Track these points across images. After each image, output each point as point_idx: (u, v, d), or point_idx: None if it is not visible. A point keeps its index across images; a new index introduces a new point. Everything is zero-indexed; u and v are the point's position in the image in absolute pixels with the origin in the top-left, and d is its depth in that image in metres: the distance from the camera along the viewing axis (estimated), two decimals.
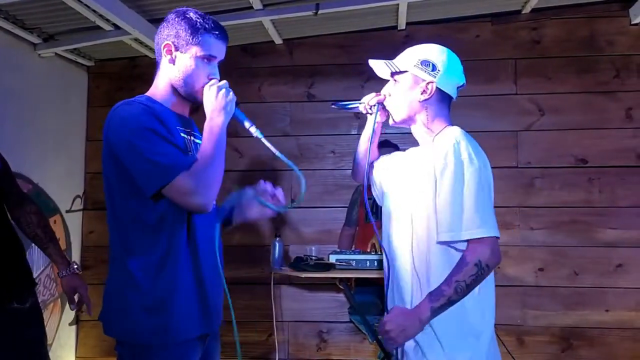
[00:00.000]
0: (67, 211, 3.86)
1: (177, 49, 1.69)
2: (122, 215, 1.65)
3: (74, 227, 3.93)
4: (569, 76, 3.79)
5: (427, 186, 1.75)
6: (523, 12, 3.82)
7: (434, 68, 1.82)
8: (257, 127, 1.71)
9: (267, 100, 4.02)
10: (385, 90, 1.93)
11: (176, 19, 1.70)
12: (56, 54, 3.67)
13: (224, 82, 1.70)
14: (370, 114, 1.96)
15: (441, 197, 1.69)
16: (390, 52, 4.25)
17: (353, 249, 3.55)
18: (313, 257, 3.26)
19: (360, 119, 3.98)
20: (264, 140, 1.70)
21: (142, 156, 1.51)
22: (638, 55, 3.74)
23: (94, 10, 3.11)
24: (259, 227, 3.93)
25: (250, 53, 4.06)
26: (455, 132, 1.78)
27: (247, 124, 1.72)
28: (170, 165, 1.50)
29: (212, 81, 1.69)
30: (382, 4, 3.42)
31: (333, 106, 2.08)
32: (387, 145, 3.56)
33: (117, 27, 3.37)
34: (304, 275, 3.16)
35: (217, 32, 1.71)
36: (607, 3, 3.79)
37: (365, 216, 3.58)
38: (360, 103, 1.99)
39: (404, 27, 3.91)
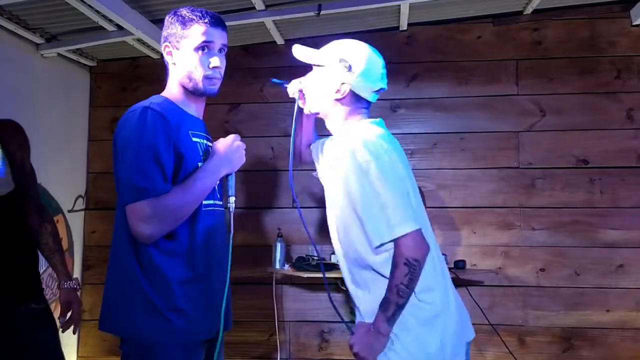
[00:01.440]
0: (70, 211, 3.87)
1: (175, 48, 1.70)
2: (122, 215, 1.64)
3: (76, 227, 3.94)
4: (570, 77, 3.80)
5: (342, 192, 1.75)
6: (524, 13, 3.82)
7: (349, 69, 1.76)
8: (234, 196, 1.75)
9: (268, 100, 4.02)
10: (306, 78, 1.90)
11: (169, 20, 1.72)
12: (59, 54, 3.68)
13: (243, 143, 1.75)
14: (293, 100, 1.95)
15: (358, 206, 1.67)
16: (392, 53, 4.27)
17: None
18: (315, 257, 3.27)
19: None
20: (232, 210, 1.73)
21: (127, 170, 1.55)
22: (639, 56, 3.75)
23: (97, 11, 3.12)
24: (261, 226, 3.94)
25: (252, 53, 4.07)
26: (357, 134, 1.72)
27: (230, 192, 1.75)
28: (141, 188, 1.52)
29: (209, 71, 1.70)
30: (384, 4, 3.43)
31: (272, 80, 2.09)
32: None
33: (119, 27, 3.38)
34: (305, 275, 3.17)
35: (206, 19, 1.69)
36: (608, 4, 3.79)
37: None
38: (288, 84, 1.99)
39: (405, 28, 3.91)
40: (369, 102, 1.82)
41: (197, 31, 1.67)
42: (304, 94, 1.90)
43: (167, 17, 1.74)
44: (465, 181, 3.78)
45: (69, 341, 3.87)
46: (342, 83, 1.75)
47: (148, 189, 1.52)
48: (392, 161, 1.67)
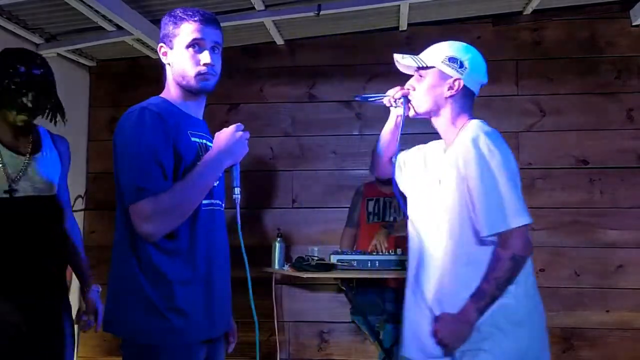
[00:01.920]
0: None
1: (169, 48, 1.72)
2: (122, 214, 1.65)
3: None
4: (570, 77, 3.79)
5: (456, 182, 1.77)
6: (524, 13, 3.82)
7: (461, 65, 1.85)
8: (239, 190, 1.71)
9: (268, 100, 4.02)
10: (409, 84, 1.96)
11: (163, 21, 1.74)
12: (58, 54, 3.68)
13: (246, 132, 1.70)
14: (395, 107, 2.00)
15: (475, 193, 1.71)
16: (391, 53, 4.25)
17: (355, 249, 3.56)
18: (314, 257, 3.26)
19: (361, 119, 3.99)
20: (237, 201, 1.70)
21: (127, 170, 1.57)
22: (639, 56, 3.75)
23: (97, 11, 3.11)
24: (260, 227, 3.94)
25: (251, 54, 4.06)
26: (476, 126, 1.82)
27: (234, 183, 1.71)
28: (142, 188, 1.52)
29: (200, 67, 1.68)
30: (383, 4, 3.43)
31: (357, 99, 2.14)
32: None
33: (119, 27, 3.38)
34: (305, 275, 3.16)
35: (196, 17, 1.69)
36: (608, 4, 3.79)
37: (367, 217, 3.59)
38: (384, 96, 2.01)
39: (405, 28, 3.91)
40: (473, 98, 1.92)
41: (188, 29, 1.68)
42: (408, 99, 1.95)
43: (162, 19, 1.76)
44: None
45: None
46: (456, 79, 1.84)
47: (149, 188, 1.52)
48: (510, 157, 1.77)
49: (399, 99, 1.96)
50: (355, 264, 3.08)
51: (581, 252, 3.69)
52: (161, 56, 1.75)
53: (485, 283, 1.67)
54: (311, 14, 3.43)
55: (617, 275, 3.65)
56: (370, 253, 3.14)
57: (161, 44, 1.74)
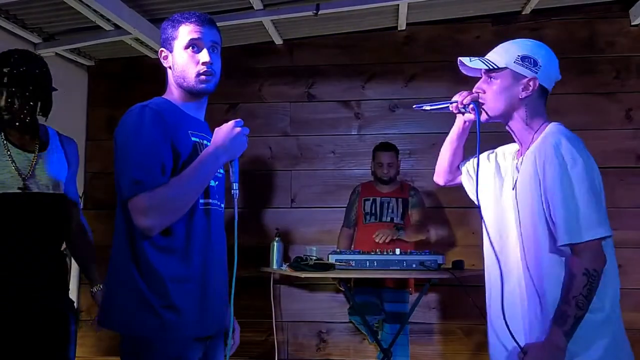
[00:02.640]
0: None
1: (169, 51, 1.76)
2: (121, 211, 1.67)
3: None
4: (569, 77, 3.78)
5: (532, 188, 1.71)
6: (523, 12, 3.82)
7: (535, 64, 1.79)
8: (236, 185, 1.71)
9: (267, 100, 4.02)
10: (478, 87, 1.89)
11: (163, 26, 1.78)
12: (56, 53, 3.67)
13: (246, 128, 1.69)
14: (463, 113, 1.94)
15: (554, 200, 1.65)
16: (390, 53, 4.27)
17: (352, 249, 3.55)
18: (313, 257, 3.26)
19: (360, 119, 3.98)
20: (235, 200, 1.71)
21: (125, 165, 1.58)
22: (638, 56, 3.75)
23: (95, 10, 3.11)
24: (259, 227, 3.94)
25: (250, 53, 4.06)
26: (556, 130, 1.75)
27: (232, 179, 1.71)
28: (140, 181, 1.54)
29: (200, 67, 1.71)
30: (382, 4, 3.42)
31: (416, 108, 2.05)
32: (386, 149, 3.55)
33: (117, 26, 3.37)
34: (303, 275, 3.16)
35: (192, 19, 1.74)
36: (607, 4, 3.79)
37: (364, 217, 3.59)
38: (451, 103, 1.94)
39: (404, 28, 3.91)
40: (546, 96, 1.86)
41: (185, 31, 1.73)
42: (478, 104, 1.87)
43: (162, 25, 1.80)
44: None
45: None
46: (531, 79, 1.78)
47: (146, 182, 1.54)
48: (593, 165, 1.69)
49: (469, 104, 1.88)
50: (353, 264, 3.07)
51: None
52: (162, 60, 1.79)
53: (565, 305, 1.61)
54: (310, 13, 3.43)
55: None
56: (369, 253, 3.13)
57: (162, 49, 1.78)
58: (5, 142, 2.09)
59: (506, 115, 1.83)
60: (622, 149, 3.71)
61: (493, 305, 1.81)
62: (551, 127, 1.77)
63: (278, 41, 3.99)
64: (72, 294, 3.86)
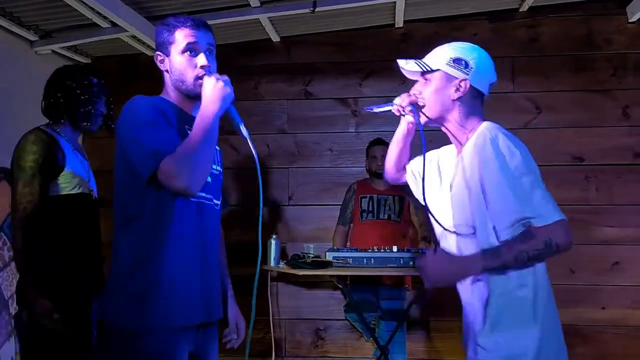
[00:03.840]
0: None
1: (166, 56, 1.80)
2: (120, 203, 1.74)
3: None
4: (566, 74, 3.79)
5: (469, 186, 1.72)
6: (520, 10, 3.82)
7: (466, 65, 1.82)
8: (246, 128, 1.75)
9: (264, 98, 4.02)
10: (415, 89, 1.91)
11: (157, 31, 1.82)
12: (53, 51, 3.66)
13: (224, 76, 1.74)
14: (403, 115, 1.95)
15: (494, 192, 1.65)
16: (387, 50, 4.26)
17: (348, 246, 3.56)
18: (310, 255, 3.26)
19: (357, 117, 3.98)
20: (249, 142, 1.75)
21: (138, 144, 1.62)
22: (635, 53, 3.75)
23: (91, 7, 3.10)
24: (255, 224, 3.93)
25: (247, 51, 4.05)
26: (493, 127, 1.76)
27: (235, 117, 1.76)
28: (157, 151, 1.58)
29: (198, 70, 1.75)
30: (379, 1, 3.42)
31: (366, 109, 2.12)
32: (380, 143, 3.57)
33: (114, 24, 3.36)
34: (301, 272, 3.16)
35: (188, 23, 1.77)
36: (604, 1, 3.79)
37: (361, 214, 3.59)
38: (392, 105, 1.96)
39: (401, 25, 3.90)
40: (482, 98, 1.87)
41: (181, 35, 1.76)
42: (416, 106, 1.89)
43: (156, 29, 1.84)
44: None
45: None
46: (462, 80, 1.80)
47: (162, 150, 1.58)
48: (530, 157, 1.68)
49: (407, 106, 1.90)
50: (350, 262, 3.08)
51: (577, 249, 3.63)
52: (159, 64, 1.82)
53: (506, 248, 1.58)
54: (307, 10, 3.43)
55: (613, 273, 3.65)
56: (366, 250, 3.13)
57: (158, 53, 1.81)
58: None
59: (441, 117, 1.85)
60: (618, 146, 3.71)
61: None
62: (486, 125, 1.78)
63: (275, 38, 3.98)
64: None
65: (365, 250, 3.12)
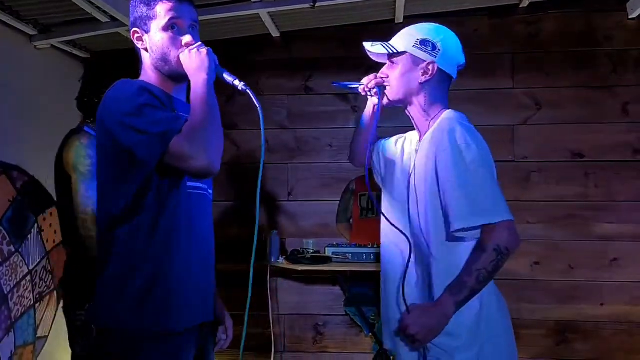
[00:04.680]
0: None
1: (145, 32, 1.65)
2: (112, 198, 1.58)
3: None
4: (566, 71, 3.79)
5: (427, 175, 1.70)
6: (521, 6, 3.81)
7: (433, 47, 1.75)
8: (241, 82, 1.63)
9: (264, 93, 4.01)
10: (382, 72, 1.88)
11: (133, 4, 1.66)
12: (52, 45, 3.65)
13: (198, 43, 1.60)
14: (371, 96, 1.91)
15: (447, 186, 1.63)
16: None
17: (348, 242, 3.56)
18: (310, 250, 3.27)
19: (357, 112, 3.98)
20: (248, 91, 1.62)
21: (137, 130, 1.46)
22: (635, 50, 3.74)
23: (90, 2, 3.09)
24: (255, 220, 3.93)
25: (247, 46, 4.04)
26: (452, 117, 1.73)
27: (227, 77, 1.63)
28: (163, 132, 1.44)
29: (183, 47, 1.60)
30: None
31: (334, 84, 2.06)
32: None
33: (113, 18, 3.35)
34: (300, 268, 3.17)
35: None
36: None
37: (361, 212, 3.59)
38: (360, 84, 1.94)
39: (401, 21, 3.89)
40: (450, 82, 1.82)
41: (163, 9, 1.60)
42: (382, 87, 1.86)
43: (131, 2, 1.67)
44: None
45: (63, 334, 3.85)
46: (429, 63, 1.75)
47: (167, 130, 1.45)
48: (487, 151, 1.68)
49: (373, 88, 1.87)
50: (350, 257, 3.08)
51: (576, 246, 3.70)
52: (135, 42, 1.68)
53: (466, 275, 1.57)
54: (307, 6, 3.41)
55: (612, 269, 3.66)
56: (366, 246, 3.14)
57: (134, 29, 1.66)
58: None
59: (406, 100, 1.81)
60: (618, 143, 3.71)
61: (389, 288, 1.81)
62: (447, 114, 1.75)
63: (275, 34, 3.97)
64: None
65: (365, 246, 3.12)
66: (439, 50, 1.75)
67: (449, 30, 1.83)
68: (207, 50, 1.58)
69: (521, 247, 3.86)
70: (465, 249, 1.65)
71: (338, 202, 3.76)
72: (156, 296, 1.53)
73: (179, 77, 1.64)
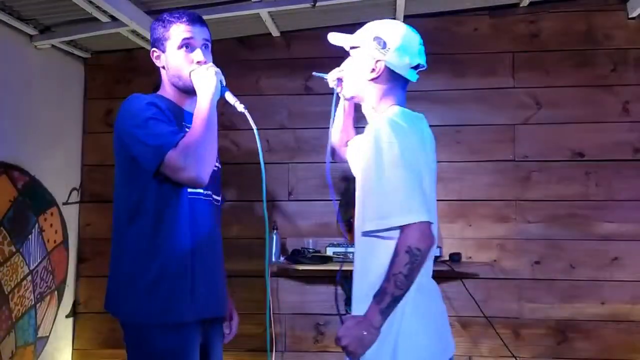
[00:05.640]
0: (64, 203, 3.85)
1: (162, 52, 1.81)
2: (122, 200, 1.74)
3: (71, 220, 3.92)
4: (566, 70, 3.79)
5: (360, 171, 1.73)
6: (521, 5, 3.81)
7: (384, 45, 1.71)
8: (241, 104, 1.80)
9: (264, 93, 4.01)
10: (343, 64, 1.86)
11: (153, 27, 1.84)
12: (53, 45, 3.65)
13: (209, 64, 1.78)
14: (335, 88, 1.90)
15: (365, 185, 1.64)
16: None
17: (349, 242, 3.56)
18: (310, 250, 3.27)
19: (357, 112, 3.97)
20: (246, 113, 1.81)
21: (140, 141, 1.63)
22: (635, 49, 3.74)
23: (91, 2, 3.09)
24: (256, 219, 3.93)
25: (247, 45, 4.05)
26: (387, 115, 1.69)
27: (229, 97, 1.80)
28: (160, 145, 1.60)
29: (194, 65, 1.78)
30: None
31: (314, 74, 2.08)
32: None
33: (114, 18, 3.35)
34: (301, 267, 3.17)
35: (183, 18, 1.78)
36: None
37: None
38: (326, 75, 1.93)
39: (402, 20, 3.89)
40: (405, 82, 1.78)
41: (177, 30, 1.77)
42: (342, 81, 1.85)
43: (151, 26, 1.86)
44: (461, 174, 3.78)
45: (64, 334, 3.86)
46: (377, 60, 1.72)
47: (165, 144, 1.60)
48: (412, 151, 1.63)
49: (334, 80, 1.87)
50: (351, 257, 3.08)
51: (576, 245, 3.70)
52: (155, 61, 1.84)
53: (386, 282, 1.55)
54: (307, 5, 3.42)
55: (613, 268, 3.66)
56: None
57: (153, 49, 1.83)
58: None
59: (359, 96, 1.80)
60: (619, 142, 3.71)
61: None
62: (387, 112, 1.71)
63: (275, 33, 3.97)
64: (70, 287, 3.87)
65: None
66: (389, 48, 1.70)
67: (411, 30, 1.77)
68: (216, 71, 1.75)
69: (522, 246, 3.89)
70: (380, 246, 1.64)
71: (338, 201, 3.76)
72: (162, 291, 1.67)
73: (192, 91, 1.79)
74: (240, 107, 1.78)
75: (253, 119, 1.84)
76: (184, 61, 1.77)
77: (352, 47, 1.81)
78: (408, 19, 3.89)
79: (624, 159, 3.70)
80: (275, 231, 3.54)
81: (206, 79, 1.72)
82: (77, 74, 4.11)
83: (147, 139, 1.61)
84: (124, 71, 4.09)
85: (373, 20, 3.44)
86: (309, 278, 3.88)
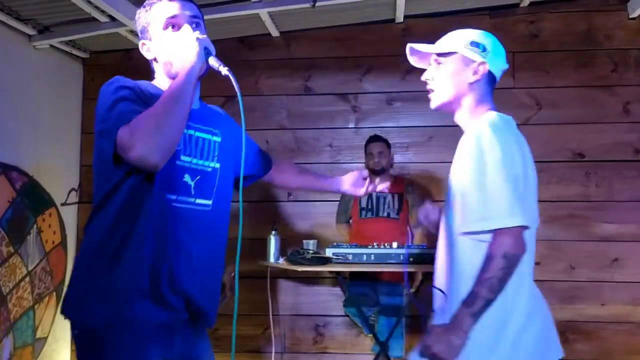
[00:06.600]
0: (62, 204, 3.84)
1: (149, 40, 1.62)
2: (95, 196, 1.56)
3: (70, 221, 3.91)
4: (567, 70, 3.78)
5: (455, 176, 1.71)
6: (521, 5, 3.80)
7: (484, 49, 1.79)
8: (225, 66, 1.53)
9: (264, 93, 4.00)
10: (427, 75, 1.86)
11: (136, 17, 1.65)
12: (51, 45, 3.64)
13: (192, 31, 1.54)
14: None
15: (466, 187, 1.63)
16: (388, 45, 4.24)
17: (348, 243, 3.55)
18: (310, 251, 3.25)
19: (357, 112, 3.97)
20: (231, 75, 1.52)
21: (104, 124, 1.43)
22: (636, 49, 3.74)
23: (90, 2, 3.08)
24: (255, 220, 3.92)
25: (247, 45, 4.04)
26: (487, 118, 1.72)
27: (213, 62, 1.52)
28: (113, 123, 1.39)
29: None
30: None
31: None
32: (376, 139, 3.54)
33: (112, 18, 3.34)
34: (300, 269, 3.15)
35: None
36: None
37: (360, 212, 3.59)
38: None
39: (401, 20, 3.89)
40: (494, 86, 1.86)
41: (158, 11, 1.58)
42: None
43: (136, 16, 1.67)
44: None
45: (62, 335, 3.85)
46: (480, 63, 1.78)
47: (119, 120, 1.39)
48: (512, 156, 1.64)
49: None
50: (350, 258, 3.07)
51: (577, 246, 3.69)
52: (145, 53, 1.66)
53: (477, 285, 1.54)
54: (307, 5, 3.41)
55: (613, 269, 3.65)
56: (366, 246, 3.12)
57: (142, 41, 1.64)
58: None
59: (455, 102, 1.80)
60: (619, 143, 3.70)
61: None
62: (486, 116, 1.74)
63: (275, 33, 3.97)
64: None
65: (365, 247, 3.11)
66: (488, 51, 1.80)
67: (494, 36, 1.90)
68: (199, 38, 1.50)
69: None
70: (476, 248, 1.63)
71: (338, 202, 3.76)
72: (120, 294, 1.49)
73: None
74: (224, 70, 1.50)
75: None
76: (174, 42, 1.52)
77: (440, 55, 1.82)
78: (408, 19, 3.89)
79: (624, 160, 3.69)
80: (274, 232, 3.52)
81: (183, 45, 1.47)
82: (75, 74, 4.10)
83: (110, 121, 1.40)
84: (122, 71, 4.00)
85: (374, 20, 3.45)
86: (308, 279, 3.87)
